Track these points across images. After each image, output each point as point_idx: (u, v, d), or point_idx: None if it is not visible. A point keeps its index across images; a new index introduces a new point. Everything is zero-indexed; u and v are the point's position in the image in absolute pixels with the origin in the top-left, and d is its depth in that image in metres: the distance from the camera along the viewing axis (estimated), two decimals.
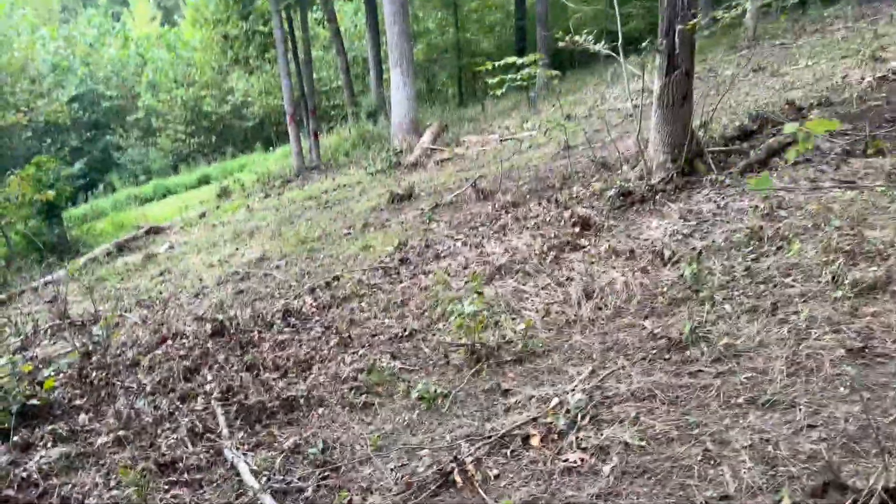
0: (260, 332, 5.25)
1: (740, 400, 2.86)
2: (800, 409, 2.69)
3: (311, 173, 15.32)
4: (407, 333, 4.55)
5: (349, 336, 4.77)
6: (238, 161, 23.79)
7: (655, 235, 5.01)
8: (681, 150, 6.25)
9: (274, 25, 15.45)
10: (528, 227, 6.00)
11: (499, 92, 7.63)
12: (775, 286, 3.69)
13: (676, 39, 6.05)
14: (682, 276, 4.12)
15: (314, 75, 22.97)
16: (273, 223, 10.36)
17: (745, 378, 3.00)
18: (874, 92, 7.79)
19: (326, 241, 8.23)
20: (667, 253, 4.56)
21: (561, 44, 7.15)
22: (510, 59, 7.48)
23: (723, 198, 5.49)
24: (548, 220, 5.98)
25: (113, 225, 15.88)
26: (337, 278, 6.24)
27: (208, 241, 10.27)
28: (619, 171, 7.12)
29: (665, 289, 4.03)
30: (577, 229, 5.64)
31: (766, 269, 3.90)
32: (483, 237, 6.16)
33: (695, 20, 5.92)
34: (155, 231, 12.80)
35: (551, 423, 2.99)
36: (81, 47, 32.43)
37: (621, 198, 6.08)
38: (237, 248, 9.03)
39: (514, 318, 4.29)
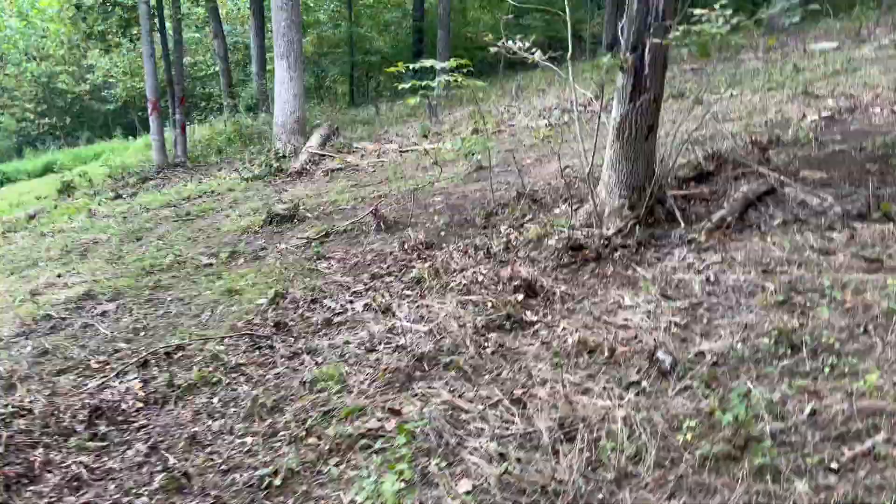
0: (48, 446, 3.34)
1: None
2: None
3: (175, 172, 13.00)
4: (279, 480, 2.84)
5: (186, 473, 2.99)
6: (94, 148, 20.70)
7: (635, 320, 3.59)
8: (640, 194, 4.92)
9: None
10: (452, 288, 4.43)
11: (411, 102, 6.02)
12: (871, 456, 2.33)
13: (646, 56, 4.70)
14: (707, 412, 2.69)
15: (188, 59, 20.32)
16: (115, 238, 8.17)
17: None
18: (825, 132, 6.89)
19: (179, 273, 6.26)
20: (664, 358, 3.14)
21: (492, 49, 5.66)
22: (427, 63, 5.90)
23: (705, 264, 4.17)
24: (479, 278, 4.44)
25: None
26: (182, 347, 4.38)
27: (28, 258, 7.90)
28: (556, 211, 5.72)
29: (688, 434, 2.58)
30: (519, 296, 4.14)
31: (841, 417, 2.54)
32: (392, 295, 4.52)
33: (671, 32, 4.59)
34: None
35: None
36: None
37: (570, 252, 4.66)
38: (60, 275, 6.82)
39: (451, 466, 2.70)
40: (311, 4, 21.52)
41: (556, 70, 5.64)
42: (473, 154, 7.92)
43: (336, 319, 4.32)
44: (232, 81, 17.77)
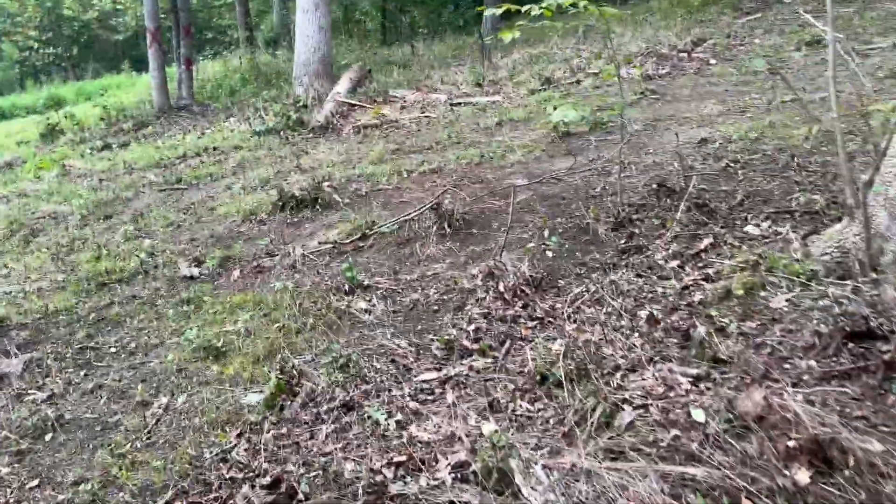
0: None
1: None
2: None
3: (177, 117, 10.60)
4: None
5: None
6: (99, 83, 18.24)
7: None
8: None
9: None
10: (634, 424, 2.12)
11: (508, 37, 3.58)
12: None
13: None
14: None
15: None
16: (79, 213, 5.91)
17: None
18: None
19: (143, 292, 4.01)
20: None
21: None
22: None
23: None
24: (678, 401, 2.12)
25: None
26: None
27: None
28: (748, 230, 3.34)
29: None
30: (798, 474, 1.84)
31: None
32: (499, 411, 2.23)
33: None
34: None
35: None
36: None
37: (849, 344, 2.32)
38: None
39: None
40: None
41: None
42: (571, 119, 5.48)
43: (394, 488, 2.04)
44: (249, 11, 15.11)
